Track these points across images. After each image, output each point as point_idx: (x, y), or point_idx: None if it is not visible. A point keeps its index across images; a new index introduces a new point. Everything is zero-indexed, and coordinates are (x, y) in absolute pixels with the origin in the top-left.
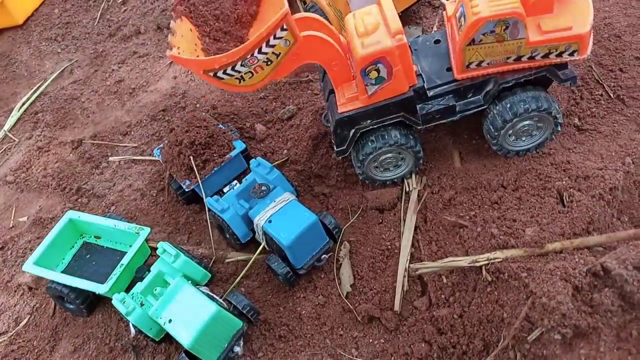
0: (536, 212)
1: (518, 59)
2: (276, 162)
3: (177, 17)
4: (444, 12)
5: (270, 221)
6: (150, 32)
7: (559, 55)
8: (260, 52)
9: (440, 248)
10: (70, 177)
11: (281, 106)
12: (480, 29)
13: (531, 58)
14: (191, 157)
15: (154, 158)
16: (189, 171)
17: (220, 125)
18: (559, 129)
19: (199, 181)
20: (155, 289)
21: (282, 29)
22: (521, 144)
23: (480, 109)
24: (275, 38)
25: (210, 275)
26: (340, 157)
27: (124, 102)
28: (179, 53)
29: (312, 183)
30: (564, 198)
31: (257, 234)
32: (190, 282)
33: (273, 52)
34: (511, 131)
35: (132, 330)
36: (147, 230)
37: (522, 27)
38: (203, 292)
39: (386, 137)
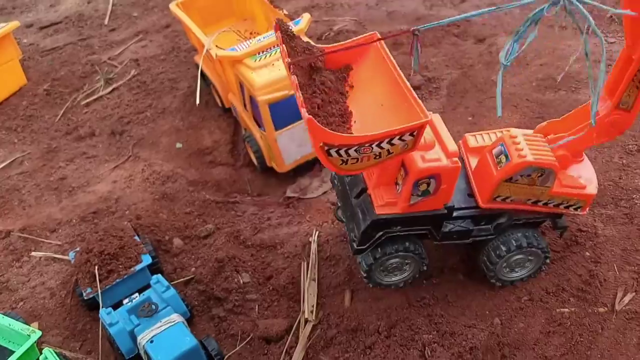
0: None
1: (535, 203)
2: (180, 280)
3: (292, 72)
4: (462, 142)
5: (152, 341)
6: (103, 135)
7: (567, 207)
8: (379, 145)
9: None
10: None
11: (202, 223)
12: (522, 171)
13: (545, 204)
14: (96, 267)
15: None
16: (92, 279)
17: (136, 237)
18: (548, 261)
19: (99, 291)
20: None
21: (411, 134)
22: (514, 275)
23: (489, 237)
24: (399, 139)
25: None
26: (354, 255)
27: (61, 200)
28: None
29: (211, 305)
30: (426, 352)
31: (140, 351)
32: None
33: (388, 150)
34: (505, 264)
35: None
36: (38, 333)
37: (553, 178)
38: None
39: (399, 243)
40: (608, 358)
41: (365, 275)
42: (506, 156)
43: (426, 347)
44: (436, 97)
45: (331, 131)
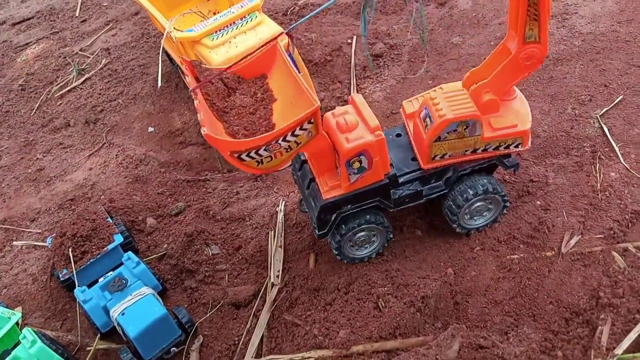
0: (353, 316)
1: (474, 151)
2: (153, 256)
3: (195, 97)
4: (402, 110)
5: (123, 313)
6: (78, 125)
7: (507, 147)
8: (284, 139)
9: (277, 345)
10: None
11: (174, 202)
12: (446, 129)
13: (484, 150)
14: (70, 249)
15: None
16: (67, 261)
17: (109, 219)
18: (508, 205)
19: (74, 271)
20: None
21: (309, 122)
22: (476, 222)
23: (442, 192)
24: (301, 129)
25: None
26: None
27: (40, 190)
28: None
29: (183, 277)
30: (379, 303)
31: (114, 324)
32: None
33: (295, 141)
34: (467, 211)
35: None
36: (18, 315)
37: (479, 126)
38: None
39: (360, 218)
40: (554, 298)
41: (337, 252)
42: (430, 118)
43: (380, 299)
44: (398, 63)
45: (230, 139)
